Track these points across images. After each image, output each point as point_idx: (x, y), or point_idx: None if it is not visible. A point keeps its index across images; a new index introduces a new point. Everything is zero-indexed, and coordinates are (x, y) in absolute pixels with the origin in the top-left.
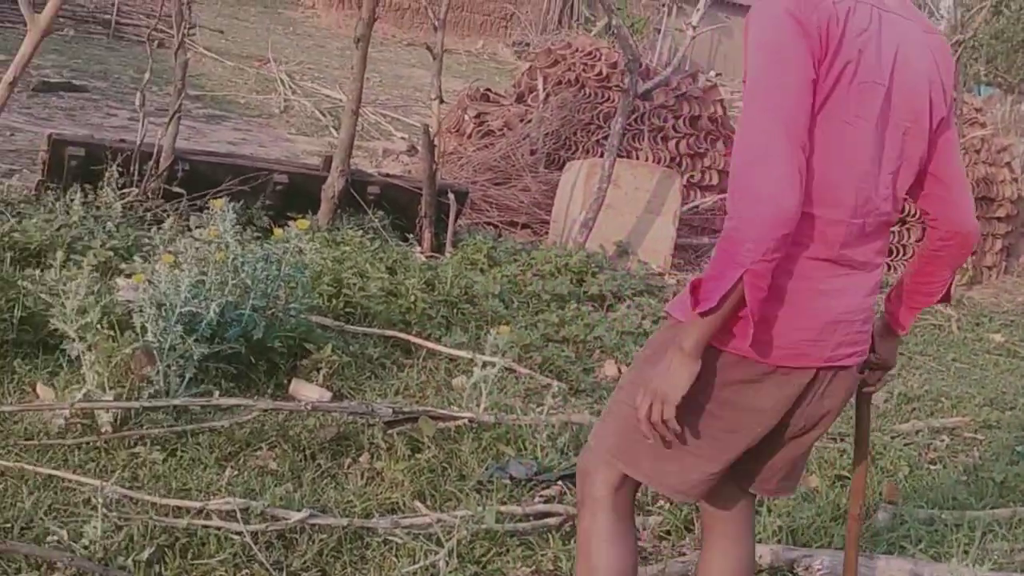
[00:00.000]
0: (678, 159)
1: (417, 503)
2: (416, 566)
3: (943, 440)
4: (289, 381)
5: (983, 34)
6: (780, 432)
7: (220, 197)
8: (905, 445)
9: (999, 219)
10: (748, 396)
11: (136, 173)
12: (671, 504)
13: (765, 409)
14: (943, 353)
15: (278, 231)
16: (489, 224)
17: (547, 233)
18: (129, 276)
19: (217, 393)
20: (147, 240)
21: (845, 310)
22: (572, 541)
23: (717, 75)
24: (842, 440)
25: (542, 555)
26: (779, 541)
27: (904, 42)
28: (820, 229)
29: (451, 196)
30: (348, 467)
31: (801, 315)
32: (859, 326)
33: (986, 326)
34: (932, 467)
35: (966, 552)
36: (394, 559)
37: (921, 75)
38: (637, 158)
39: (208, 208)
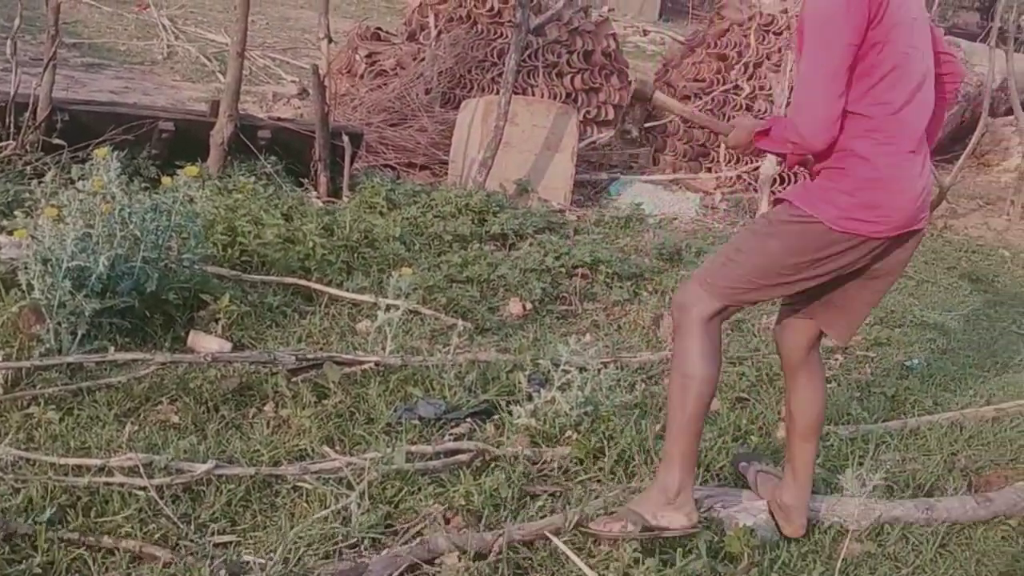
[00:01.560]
0: (574, 95)
1: (326, 448)
2: (328, 510)
3: (837, 359)
4: (187, 334)
5: None
6: (859, 280)
7: (103, 147)
8: None
9: None
10: (843, 258)
11: (12, 126)
12: (578, 435)
13: (852, 263)
14: None
15: (166, 180)
16: (387, 166)
17: (446, 173)
18: (11, 233)
19: (112, 349)
20: (28, 195)
21: (923, 185)
22: (483, 476)
23: (609, 10)
24: (740, 364)
25: (454, 491)
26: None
27: None
28: (907, 129)
29: (345, 138)
30: (253, 417)
31: (902, 195)
32: (927, 195)
33: None
34: (828, 385)
35: (861, 463)
36: (305, 505)
37: None
38: (533, 94)
39: (91, 159)
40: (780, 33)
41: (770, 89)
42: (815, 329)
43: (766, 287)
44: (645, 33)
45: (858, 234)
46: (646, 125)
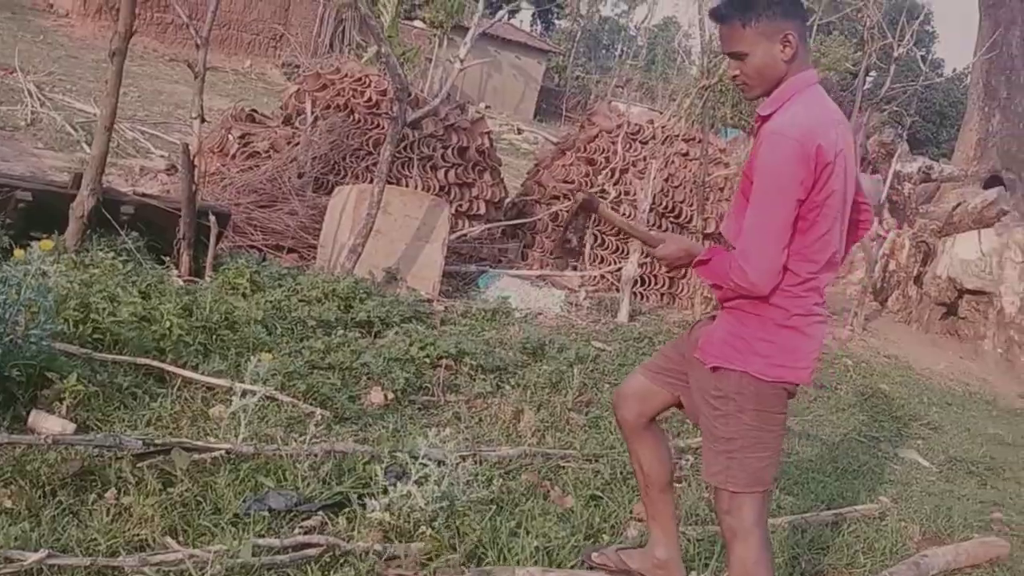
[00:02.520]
0: (447, 188)
1: (168, 539)
2: None
3: (688, 459)
4: (28, 413)
5: (728, 80)
6: None
7: None
8: None
9: None
10: (784, 405)
11: None
12: (432, 531)
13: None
14: None
15: (19, 252)
16: (253, 247)
17: (315, 258)
18: None
19: None
20: None
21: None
22: (332, 572)
23: (486, 107)
24: (596, 461)
25: None
26: (536, 562)
27: (847, 140)
28: (820, 287)
29: (212, 218)
30: (93, 503)
31: (814, 340)
32: None
33: None
34: (678, 485)
35: (706, 565)
36: None
37: (851, 159)
38: (407, 185)
39: None
40: (646, 142)
41: (634, 195)
42: (672, 401)
43: (776, 450)
44: (519, 132)
45: (785, 381)
46: (515, 222)
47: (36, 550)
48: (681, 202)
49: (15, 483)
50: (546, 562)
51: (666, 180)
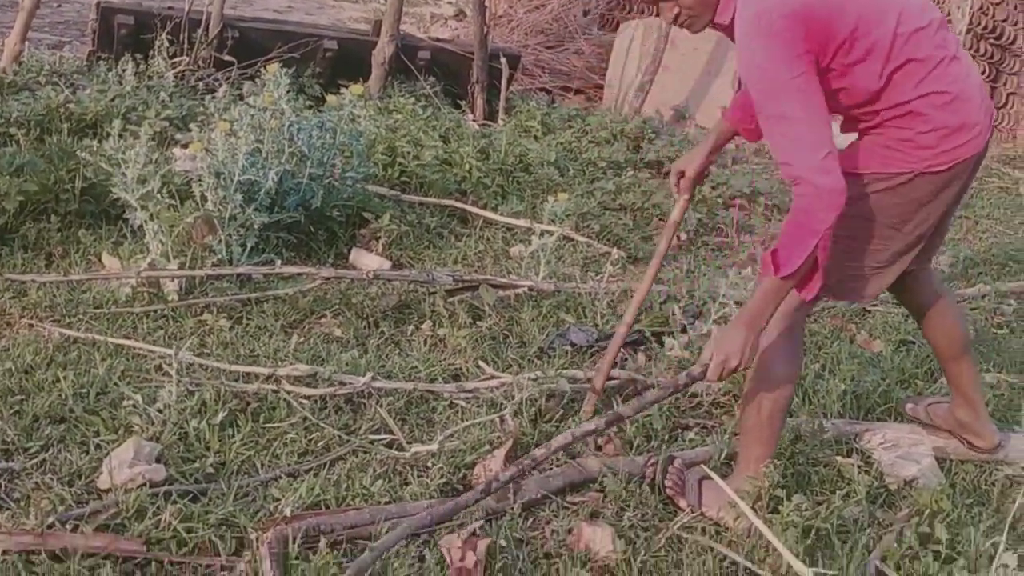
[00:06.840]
0: None
1: (482, 364)
2: (483, 419)
3: (1010, 304)
4: (349, 250)
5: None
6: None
7: (272, 64)
8: (971, 309)
9: None
10: (940, 200)
11: (186, 41)
12: None
13: (949, 202)
14: (1011, 216)
15: (331, 98)
16: (542, 89)
17: (602, 98)
18: (186, 146)
19: (279, 262)
20: (201, 109)
21: (978, 78)
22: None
23: None
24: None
25: None
26: (843, 405)
27: None
28: (933, 51)
29: (503, 61)
30: (411, 334)
31: (977, 99)
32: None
33: None
34: (998, 331)
35: None
36: (460, 421)
37: None
38: None
39: (260, 76)
40: None
41: (948, 14)
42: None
43: (865, 267)
44: None
45: (963, 159)
46: None
47: (364, 375)
48: (1003, 21)
49: (343, 314)
50: (854, 406)
51: None
